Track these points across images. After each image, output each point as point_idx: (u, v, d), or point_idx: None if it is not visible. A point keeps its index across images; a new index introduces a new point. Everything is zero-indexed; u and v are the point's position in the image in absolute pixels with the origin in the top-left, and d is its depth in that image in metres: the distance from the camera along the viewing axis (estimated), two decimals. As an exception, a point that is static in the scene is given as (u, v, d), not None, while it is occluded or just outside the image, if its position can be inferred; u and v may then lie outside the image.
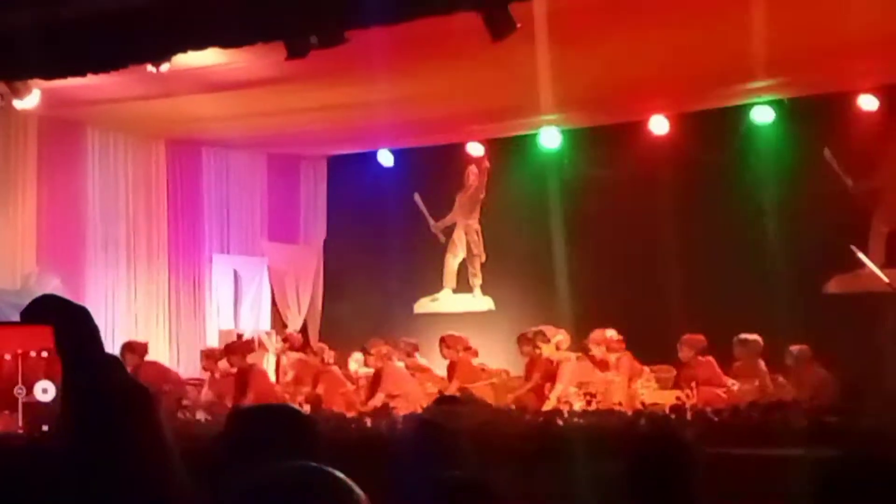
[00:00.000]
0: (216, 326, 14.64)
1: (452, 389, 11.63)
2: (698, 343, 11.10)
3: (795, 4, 9.45)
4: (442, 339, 12.40)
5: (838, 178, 12.06)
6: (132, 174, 14.25)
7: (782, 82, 12.04)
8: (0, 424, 2.27)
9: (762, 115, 12.75)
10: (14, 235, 12.98)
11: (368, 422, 9.14)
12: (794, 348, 10.70)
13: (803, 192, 12.11)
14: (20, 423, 2.25)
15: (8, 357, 2.26)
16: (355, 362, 13.13)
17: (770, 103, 12.68)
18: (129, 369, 9.43)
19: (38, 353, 2.22)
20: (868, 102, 12.24)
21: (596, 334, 11.61)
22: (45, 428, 2.20)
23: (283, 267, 15.55)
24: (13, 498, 1.94)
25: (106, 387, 1.95)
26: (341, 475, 1.78)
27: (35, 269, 12.80)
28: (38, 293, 8.95)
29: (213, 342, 14.39)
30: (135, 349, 11.89)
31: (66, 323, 2.00)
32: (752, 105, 12.74)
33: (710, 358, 11.06)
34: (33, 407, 2.24)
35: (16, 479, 2.03)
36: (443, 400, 7.89)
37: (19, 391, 2.25)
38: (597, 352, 11.50)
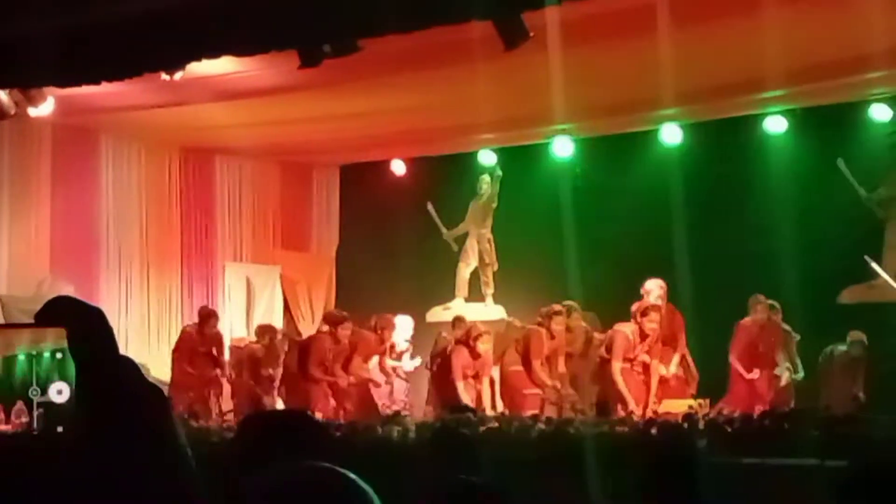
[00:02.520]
0: (228, 334, 14.64)
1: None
2: None
3: (808, 15, 9.44)
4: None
5: (852, 188, 12.03)
6: (145, 182, 14.29)
7: (795, 92, 12.02)
8: (14, 426, 2.28)
9: (775, 124, 12.73)
10: (28, 242, 13.03)
11: (379, 429, 9.13)
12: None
13: (816, 203, 12.09)
14: (35, 425, 2.26)
15: (22, 358, 2.27)
16: None
17: (783, 113, 12.66)
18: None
19: (53, 355, 2.23)
20: (881, 112, 12.22)
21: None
22: (59, 429, 2.20)
23: (295, 275, 15.56)
24: (28, 499, 1.95)
25: (120, 388, 1.95)
26: (353, 476, 1.79)
27: (48, 276, 12.83)
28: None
29: (226, 350, 14.40)
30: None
31: (80, 324, 2.01)
32: (765, 115, 12.73)
33: None
34: (48, 408, 2.25)
35: (30, 480, 2.04)
36: (456, 408, 7.91)
37: (34, 392, 2.26)
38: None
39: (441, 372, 12.43)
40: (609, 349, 11.70)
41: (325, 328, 13.16)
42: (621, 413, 10.82)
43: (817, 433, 7.49)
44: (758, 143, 12.77)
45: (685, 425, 8.38)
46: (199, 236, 14.87)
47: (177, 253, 14.56)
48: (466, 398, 11.78)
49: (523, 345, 12.25)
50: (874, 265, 11.37)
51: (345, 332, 12.50)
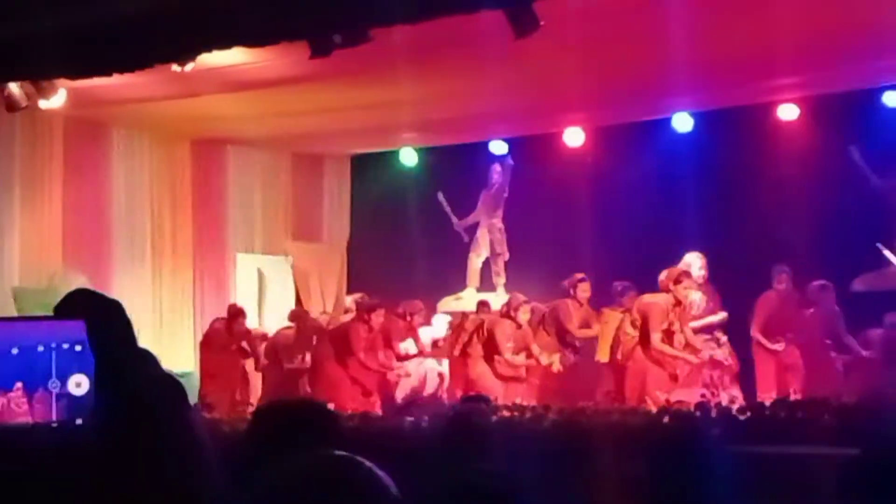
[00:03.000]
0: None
1: None
2: None
3: (820, 1, 9.41)
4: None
5: (864, 175, 12.00)
6: (157, 173, 14.32)
7: (807, 80, 11.99)
8: (35, 417, 2.29)
9: (787, 112, 12.70)
10: (40, 234, 13.06)
11: (393, 419, 9.16)
12: None
13: (829, 190, 12.07)
14: (54, 417, 2.27)
15: (42, 350, 2.28)
16: None
17: (795, 101, 12.63)
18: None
19: (72, 347, 2.24)
20: (894, 100, 12.17)
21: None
22: (79, 421, 2.21)
23: (307, 266, 15.58)
24: (50, 489, 1.96)
25: (139, 380, 1.96)
26: (369, 464, 1.79)
27: (60, 268, 12.87)
28: (64, 292, 9.01)
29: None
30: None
31: (99, 317, 2.01)
32: (777, 102, 12.69)
33: None
34: (67, 400, 2.26)
35: (51, 471, 2.05)
36: (469, 398, 7.89)
37: (54, 385, 2.27)
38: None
39: (465, 355, 12.29)
40: (643, 325, 11.02)
41: (348, 316, 13.19)
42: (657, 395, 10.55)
43: (832, 422, 7.48)
44: (769, 131, 12.74)
45: (698, 414, 8.38)
46: (211, 227, 14.89)
47: (188, 244, 14.58)
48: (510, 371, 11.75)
49: (551, 316, 12.15)
50: (887, 252, 11.35)
51: (378, 319, 12.40)
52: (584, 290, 12.09)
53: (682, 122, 13.19)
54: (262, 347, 13.24)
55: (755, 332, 11.45)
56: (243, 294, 14.87)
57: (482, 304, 12.89)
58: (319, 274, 15.62)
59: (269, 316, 14.94)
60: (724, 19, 9.83)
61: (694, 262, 11.41)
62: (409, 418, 9.17)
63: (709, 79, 11.70)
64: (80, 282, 11.87)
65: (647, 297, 11.13)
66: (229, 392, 12.39)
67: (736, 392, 10.89)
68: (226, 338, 12.67)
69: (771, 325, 11.40)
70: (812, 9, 9.33)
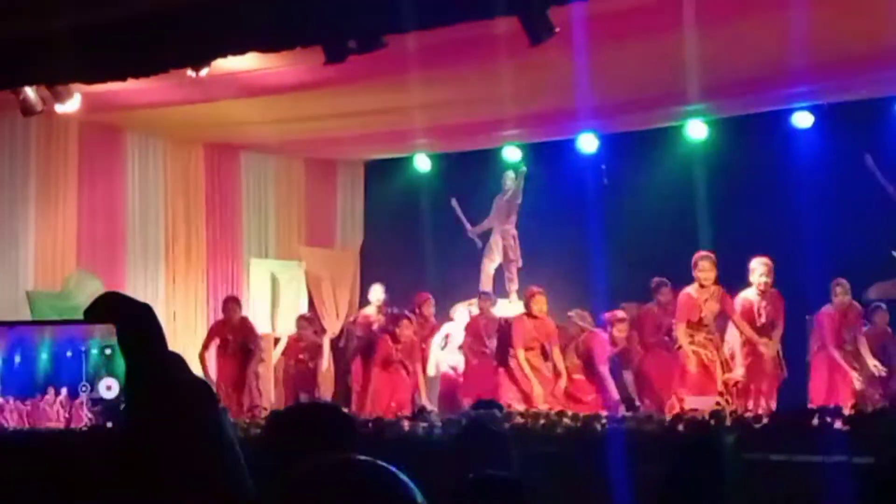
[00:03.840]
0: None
1: None
2: None
3: (834, 9, 9.38)
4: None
5: (879, 184, 11.96)
6: (171, 178, 14.35)
7: (822, 87, 11.96)
8: (65, 421, 2.29)
9: (802, 120, 12.67)
10: (55, 238, 13.10)
11: (406, 425, 9.14)
12: None
13: (843, 199, 12.03)
14: (85, 420, 2.27)
15: (71, 354, 2.28)
16: None
17: (809, 108, 12.60)
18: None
19: (102, 351, 2.24)
20: (909, 108, 12.16)
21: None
22: (109, 425, 2.22)
23: (320, 271, 15.58)
24: (79, 493, 1.96)
25: (170, 383, 1.96)
26: (389, 466, 1.79)
27: (75, 272, 12.90)
28: (79, 296, 9.04)
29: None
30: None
31: (129, 320, 2.02)
32: (791, 110, 12.67)
33: None
34: (98, 404, 2.26)
35: (81, 475, 2.05)
36: (481, 404, 7.91)
37: (84, 388, 2.27)
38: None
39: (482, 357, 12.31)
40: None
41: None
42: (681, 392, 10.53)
43: (846, 429, 7.46)
44: (784, 139, 12.71)
45: (712, 422, 8.36)
46: (225, 232, 14.92)
47: (202, 249, 14.61)
48: (527, 368, 11.66)
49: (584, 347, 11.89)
50: (902, 261, 11.32)
51: (405, 331, 12.35)
52: (620, 331, 11.83)
53: (697, 130, 13.16)
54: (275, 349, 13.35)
55: (831, 348, 11.19)
56: (256, 299, 14.89)
57: (484, 296, 12.95)
58: (332, 279, 15.63)
59: (282, 321, 14.95)
60: (739, 27, 9.81)
61: (758, 268, 11.08)
62: (423, 424, 9.17)
63: (723, 86, 11.68)
64: (94, 286, 11.90)
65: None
66: (236, 395, 12.41)
67: (772, 402, 10.74)
68: (223, 330, 12.69)
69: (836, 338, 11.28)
70: (827, 17, 9.30)
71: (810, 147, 12.52)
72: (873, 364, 10.96)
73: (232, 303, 12.96)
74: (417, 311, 12.94)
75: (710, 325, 10.97)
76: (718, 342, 10.98)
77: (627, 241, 12.88)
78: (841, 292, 11.20)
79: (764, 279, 10.97)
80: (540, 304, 11.99)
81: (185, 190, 14.52)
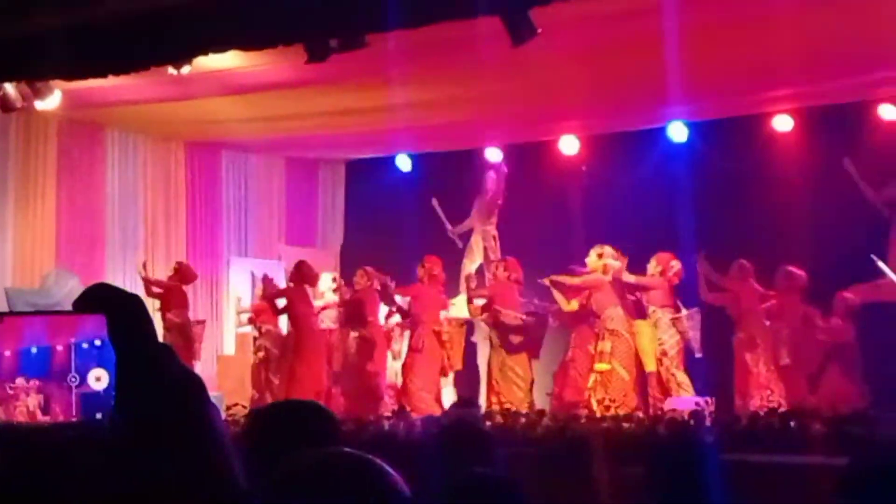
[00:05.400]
0: (233, 328, 14.66)
1: None
2: None
3: (816, 14, 9.42)
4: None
5: (858, 187, 12.01)
6: (151, 176, 14.32)
7: (803, 91, 12.01)
8: (54, 413, 2.29)
9: (782, 124, 12.72)
10: (33, 235, 13.06)
11: (386, 424, 9.14)
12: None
13: (823, 202, 12.06)
14: (74, 412, 2.27)
15: (60, 347, 2.28)
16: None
17: (790, 112, 12.65)
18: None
19: (91, 342, 2.24)
20: (889, 112, 12.20)
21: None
22: (98, 416, 2.22)
23: (300, 270, 15.54)
24: (68, 486, 1.95)
25: (161, 375, 1.96)
26: (380, 461, 1.79)
27: (54, 269, 12.85)
28: (57, 293, 9.00)
29: (230, 344, 14.44)
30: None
31: (119, 311, 2.01)
32: (772, 113, 12.71)
33: None
34: (87, 395, 2.26)
35: (70, 467, 2.04)
36: (460, 403, 7.91)
37: (73, 379, 2.27)
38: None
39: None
40: None
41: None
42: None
43: (825, 431, 7.49)
44: (764, 142, 12.75)
45: (692, 423, 8.39)
46: (205, 231, 14.89)
47: (182, 247, 14.57)
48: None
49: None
50: (881, 264, 11.34)
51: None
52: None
53: (678, 132, 13.20)
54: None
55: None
56: (236, 298, 14.86)
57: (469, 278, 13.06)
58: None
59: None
60: (721, 30, 9.84)
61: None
62: (402, 423, 9.17)
63: (704, 89, 11.72)
64: (72, 283, 11.87)
65: None
66: None
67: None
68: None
69: None
70: (808, 21, 9.34)
71: (791, 150, 12.56)
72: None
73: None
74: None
75: None
76: None
77: (607, 241, 12.87)
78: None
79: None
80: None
81: (165, 188, 14.48)
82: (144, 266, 13.13)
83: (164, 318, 12.47)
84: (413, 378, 12.20)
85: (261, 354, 13.15)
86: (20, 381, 2.31)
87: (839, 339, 11.03)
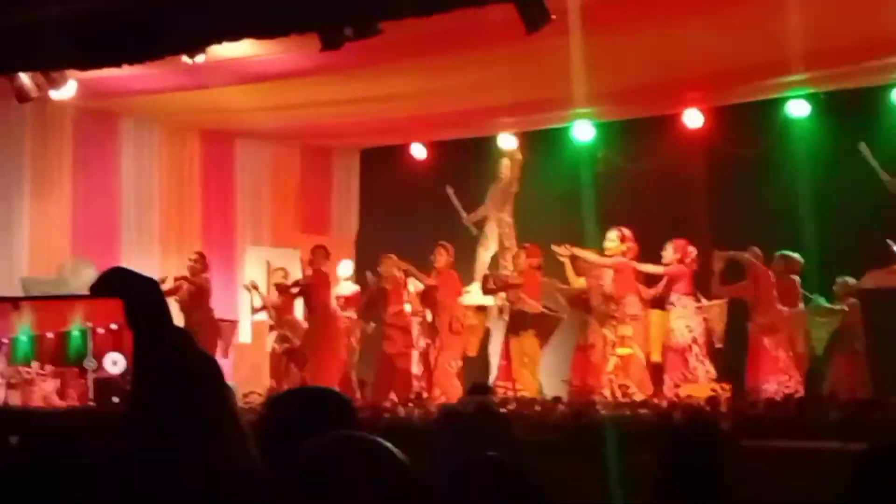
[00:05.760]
0: (249, 317, 14.68)
1: None
2: None
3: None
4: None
5: (874, 172, 11.96)
6: (166, 165, 14.35)
7: (818, 76, 11.96)
8: (71, 397, 2.31)
9: (798, 108, 12.66)
10: (49, 225, 13.10)
11: (402, 411, 9.17)
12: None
13: (838, 187, 12.03)
14: (91, 395, 2.30)
15: (77, 332, 2.30)
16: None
17: (806, 97, 12.60)
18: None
19: (108, 327, 2.26)
20: (905, 96, 12.16)
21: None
22: (115, 399, 2.24)
23: (315, 259, 15.55)
24: (85, 468, 1.97)
25: (179, 357, 1.97)
26: (388, 444, 1.81)
27: (70, 258, 12.89)
28: (73, 282, 9.03)
29: (247, 333, 14.46)
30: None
31: (136, 295, 2.02)
32: (787, 98, 12.67)
33: None
34: (104, 379, 2.28)
35: (87, 449, 2.06)
36: (475, 389, 7.91)
37: (89, 364, 2.29)
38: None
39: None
40: None
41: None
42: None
43: (840, 416, 7.48)
44: (780, 127, 12.71)
45: (707, 408, 8.38)
46: (220, 220, 14.91)
47: (197, 236, 14.60)
48: None
49: None
50: (896, 249, 11.30)
51: None
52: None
53: (693, 118, 13.15)
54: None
55: None
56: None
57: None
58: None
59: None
60: (736, 17, 9.81)
61: None
62: (418, 410, 9.18)
63: (720, 76, 11.69)
64: (88, 273, 11.90)
65: None
66: None
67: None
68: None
69: None
70: (823, 5, 9.31)
71: (806, 135, 12.52)
72: None
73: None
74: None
75: None
76: None
77: (621, 228, 12.86)
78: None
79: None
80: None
81: (180, 177, 14.51)
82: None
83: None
84: (441, 361, 12.30)
85: (285, 345, 13.21)
86: (35, 365, 2.33)
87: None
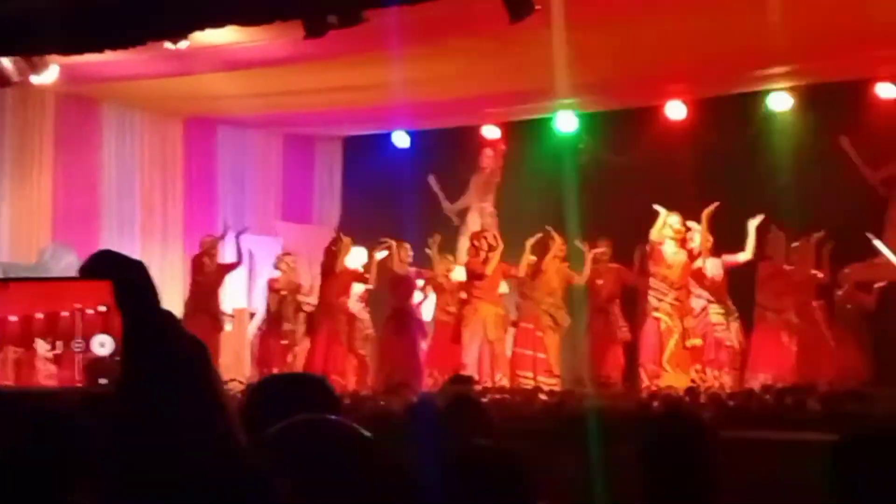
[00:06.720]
0: (230, 305, 14.65)
1: None
2: None
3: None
4: None
5: (855, 166, 12.01)
6: (148, 151, 14.30)
7: (800, 69, 12.01)
8: (59, 378, 2.30)
9: (779, 102, 12.71)
10: (30, 210, 13.05)
11: (382, 401, 9.16)
12: None
13: (819, 181, 12.07)
14: (77, 377, 2.29)
15: (66, 313, 2.29)
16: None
17: (787, 90, 12.64)
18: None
19: (96, 308, 2.25)
20: (886, 90, 12.21)
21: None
22: (103, 381, 2.23)
23: (297, 247, 15.54)
24: (73, 450, 1.97)
25: (168, 340, 1.97)
26: (360, 427, 1.82)
27: (50, 244, 12.84)
28: (53, 268, 8.97)
29: (227, 321, 14.44)
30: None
31: (125, 277, 2.03)
32: (769, 92, 12.70)
33: None
34: (92, 361, 2.28)
35: (75, 431, 2.06)
36: (457, 380, 7.93)
37: (78, 345, 2.28)
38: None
39: None
40: None
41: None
42: None
43: (820, 407, 7.52)
44: (762, 120, 12.75)
45: (687, 399, 8.41)
46: (202, 206, 14.87)
47: (179, 222, 14.57)
48: None
49: None
50: (877, 242, 11.37)
51: None
52: None
53: (675, 110, 13.19)
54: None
55: None
56: (233, 274, 14.83)
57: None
58: (309, 255, 15.58)
59: (258, 296, 14.92)
60: (719, 9, 9.83)
61: None
62: (399, 399, 9.18)
63: (702, 68, 11.71)
64: (69, 259, 11.86)
65: None
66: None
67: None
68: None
69: None
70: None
71: (788, 128, 12.57)
72: None
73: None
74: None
75: None
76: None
77: (604, 219, 12.89)
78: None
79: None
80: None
81: (162, 163, 14.47)
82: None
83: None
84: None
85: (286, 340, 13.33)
86: (41, 344, 2.33)
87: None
